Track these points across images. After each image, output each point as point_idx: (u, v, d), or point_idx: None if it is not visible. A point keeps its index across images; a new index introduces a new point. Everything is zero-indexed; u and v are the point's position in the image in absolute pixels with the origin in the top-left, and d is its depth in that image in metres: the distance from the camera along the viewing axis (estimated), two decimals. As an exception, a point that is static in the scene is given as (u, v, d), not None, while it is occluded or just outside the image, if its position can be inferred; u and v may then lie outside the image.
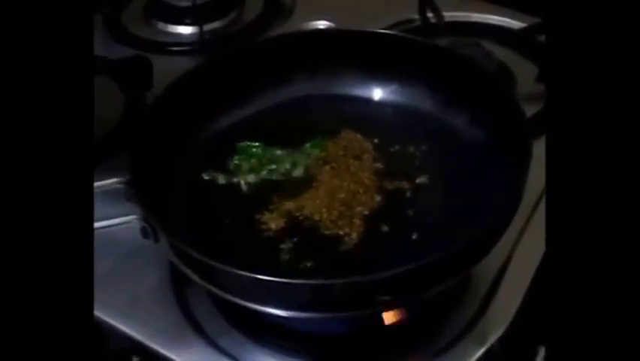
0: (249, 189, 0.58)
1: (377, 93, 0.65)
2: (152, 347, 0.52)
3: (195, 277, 0.49)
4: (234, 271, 0.45)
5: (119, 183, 0.59)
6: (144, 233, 0.50)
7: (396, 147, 0.60)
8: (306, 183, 0.58)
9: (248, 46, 0.71)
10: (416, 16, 0.78)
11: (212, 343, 0.53)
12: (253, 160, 0.60)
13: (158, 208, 0.51)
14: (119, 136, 0.64)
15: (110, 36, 0.81)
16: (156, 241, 0.50)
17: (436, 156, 0.59)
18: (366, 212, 0.55)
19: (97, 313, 0.54)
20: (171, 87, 0.60)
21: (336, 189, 0.57)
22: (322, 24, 0.80)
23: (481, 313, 0.53)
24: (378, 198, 0.56)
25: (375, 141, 0.61)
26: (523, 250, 0.57)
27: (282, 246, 0.53)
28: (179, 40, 0.81)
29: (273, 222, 0.55)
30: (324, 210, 0.55)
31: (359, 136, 0.61)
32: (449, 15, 0.77)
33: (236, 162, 0.60)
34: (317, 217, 0.55)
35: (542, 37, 0.75)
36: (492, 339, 0.51)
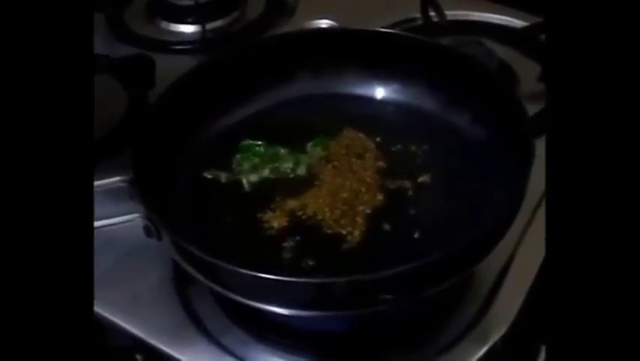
0: (251, 188, 0.58)
1: (379, 92, 0.65)
2: (154, 345, 0.53)
3: (198, 276, 0.49)
4: (237, 269, 0.45)
5: (122, 181, 0.59)
6: (147, 231, 0.50)
7: (399, 146, 0.60)
8: (308, 181, 0.58)
9: (250, 45, 0.71)
10: (418, 15, 0.78)
11: (215, 341, 0.53)
12: (256, 159, 0.60)
13: (160, 207, 0.51)
14: (121, 135, 0.64)
15: (113, 35, 0.81)
16: (159, 239, 0.50)
17: (438, 154, 0.60)
18: (368, 211, 0.55)
19: (100, 311, 0.54)
20: (174, 86, 0.60)
21: (339, 188, 0.57)
22: (324, 23, 0.80)
23: (484, 312, 0.53)
24: (380, 196, 0.56)
25: (378, 139, 0.61)
26: (525, 249, 0.57)
27: (285, 244, 0.53)
28: (182, 39, 0.81)
29: (275, 220, 0.55)
30: (326, 209, 0.55)
31: (361, 135, 0.61)
32: (451, 14, 0.77)
33: (239, 160, 0.60)
34: (319, 216, 0.55)
35: (544, 36, 0.75)
36: (494, 338, 0.51)
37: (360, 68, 0.65)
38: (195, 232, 0.54)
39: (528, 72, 0.70)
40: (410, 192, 0.57)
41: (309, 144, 0.61)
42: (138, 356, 0.54)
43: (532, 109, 0.61)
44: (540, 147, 0.50)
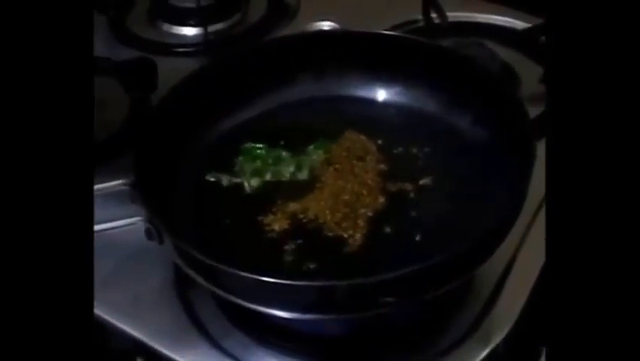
0: (252, 191, 0.58)
1: (381, 94, 0.65)
2: (156, 348, 0.53)
3: (199, 279, 0.49)
4: (238, 272, 0.45)
5: (124, 184, 0.59)
6: (148, 235, 0.50)
7: (400, 149, 0.60)
8: (309, 184, 0.58)
9: (252, 47, 0.71)
10: (420, 17, 0.78)
11: (216, 344, 0.53)
12: (257, 162, 0.60)
13: (162, 210, 0.51)
14: (123, 138, 0.64)
15: (115, 38, 0.81)
16: (160, 242, 0.50)
17: (440, 157, 0.60)
18: (369, 213, 0.55)
19: (101, 314, 0.54)
20: (175, 89, 0.60)
21: (340, 191, 0.57)
22: (326, 25, 0.80)
23: (485, 314, 0.53)
24: (381, 199, 0.56)
25: (379, 142, 0.61)
26: (527, 251, 0.56)
27: (286, 247, 0.53)
28: (184, 41, 0.81)
29: (276, 223, 0.55)
30: (327, 211, 0.55)
31: (363, 137, 0.61)
32: (453, 15, 0.77)
33: (241, 163, 0.60)
34: (321, 219, 0.55)
35: (546, 38, 0.75)
36: (496, 340, 0.51)
37: (362, 70, 0.65)
38: (196, 235, 0.54)
39: (529, 74, 0.70)
40: (411, 195, 0.57)
41: (311, 147, 0.61)
42: (139, 359, 0.54)
43: (534, 111, 0.61)
44: (541, 148, 0.50)
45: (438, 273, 0.46)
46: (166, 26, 0.83)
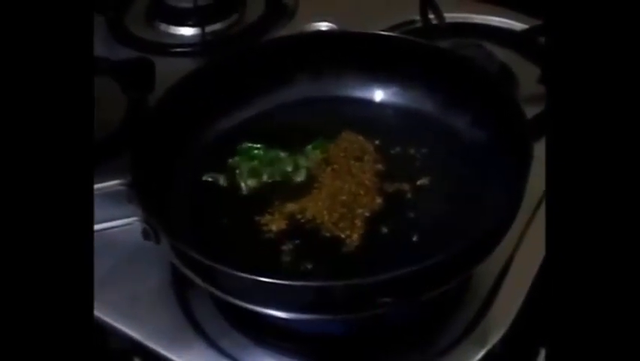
0: (250, 191, 0.58)
1: (378, 95, 0.65)
2: (153, 348, 0.53)
3: (196, 279, 0.49)
4: (235, 272, 0.45)
5: (121, 185, 0.59)
6: (145, 235, 0.50)
7: (398, 149, 0.60)
8: (307, 185, 0.58)
9: (249, 47, 0.71)
10: (417, 18, 0.78)
11: (214, 344, 0.53)
12: (254, 162, 0.60)
13: (159, 210, 0.51)
14: (120, 138, 0.64)
15: (113, 38, 0.81)
16: (157, 242, 0.50)
17: (437, 157, 0.60)
18: (367, 214, 0.55)
19: (98, 314, 0.54)
20: (173, 89, 0.60)
21: (338, 191, 0.57)
22: (324, 25, 0.80)
23: (482, 315, 0.53)
24: (379, 200, 0.56)
25: (377, 142, 0.61)
26: (524, 251, 0.57)
27: (283, 248, 0.53)
28: (181, 41, 0.81)
29: (274, 224, 0.55)
30: (325, 212, 0.55)
31: (360, 138, 0.61)
32: (450, 16, 0.77)
33: (238, 163, 0.60)
34: (318, 220, 0.55)
35: (544, 39, 0.75)
36: (493, 340, 0.51)
37: (360, 70, 0.65)
38: (194, 235, 0.54)
39: (527, 75, 0.70)
40: (409, 195, 0.57)
41: (308, 147, 0.61)
42: (136, 359, 0.54)
43: (532, 111, 0.61)
44: (539, 149, 0.51)
45: (435, 273, 0.46)
46: (163, 26, 0.83)
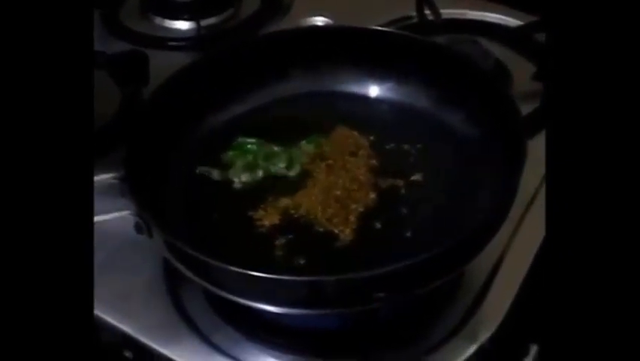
0: (244, 186, 0.58)
1: (373, 90, 0.65)
2: (144, 342, 0.52)
3: (189, 273, 0.49)
4: (228, 267, 0.45)
5: (114, 178, 0.59)
6: (138, 229, 0.50)
7: (392, 145, 0.60)
8: (301, 179, 0.58)
9: (245, 42, 0.71)
10: (413, 14, 0.78)
11: (206, 339, 0.53)
12: (249, 157, 0.60)
13: (152, 204, 0.51)
14: (114, 131, 0.64)
15: (107, 31, 0.81)
16: (150, 236, 0.50)
17: (431, 153, 0.59)
18: (360, 209, 0.55)
19: (90, 307, 0.54)
20: (167, 82, 0.60)
21: (332, 187, 0.57)
22: (319, 20, 0.80)
23: (474, 311, 0.53)
24: (372, 195, 0.56)
25: (371, 138, 0.61)
26: (516, 248, 0.57)
27: (276, 242, 0.53)
28: (176, 35, 0.81)
29: (267, 218, 0.55)
30: (318, 207, 0.55)
31: (355, 133, 0.61)
32: (446, 12, 0.77)
33: (232, 158, 0.60)
34: (312, 215, 0.55)
35: (539, 36, 0.75)
36: (484, 337, 0.51)
37: (355, 66, 0.65)
38: (186, 229, 0.54)
39: (522, 71, 0.70)
40: (402, 191, 0.57)
41: (303, 142, 0.60)
42: (127, 353, 0.53)
43: (526, 108, 0.61)
44: (533, 146, 0.51)
45: (427, 269, 0.46)
46: (158, 20, 0.83)
